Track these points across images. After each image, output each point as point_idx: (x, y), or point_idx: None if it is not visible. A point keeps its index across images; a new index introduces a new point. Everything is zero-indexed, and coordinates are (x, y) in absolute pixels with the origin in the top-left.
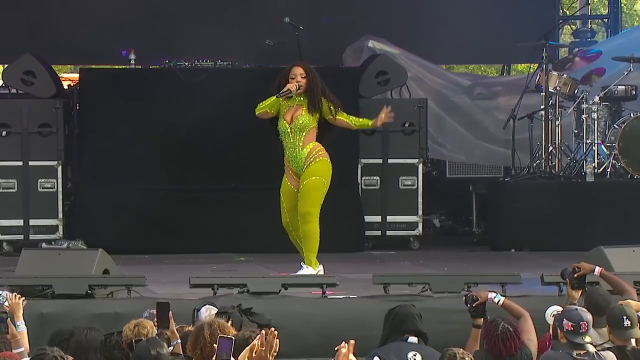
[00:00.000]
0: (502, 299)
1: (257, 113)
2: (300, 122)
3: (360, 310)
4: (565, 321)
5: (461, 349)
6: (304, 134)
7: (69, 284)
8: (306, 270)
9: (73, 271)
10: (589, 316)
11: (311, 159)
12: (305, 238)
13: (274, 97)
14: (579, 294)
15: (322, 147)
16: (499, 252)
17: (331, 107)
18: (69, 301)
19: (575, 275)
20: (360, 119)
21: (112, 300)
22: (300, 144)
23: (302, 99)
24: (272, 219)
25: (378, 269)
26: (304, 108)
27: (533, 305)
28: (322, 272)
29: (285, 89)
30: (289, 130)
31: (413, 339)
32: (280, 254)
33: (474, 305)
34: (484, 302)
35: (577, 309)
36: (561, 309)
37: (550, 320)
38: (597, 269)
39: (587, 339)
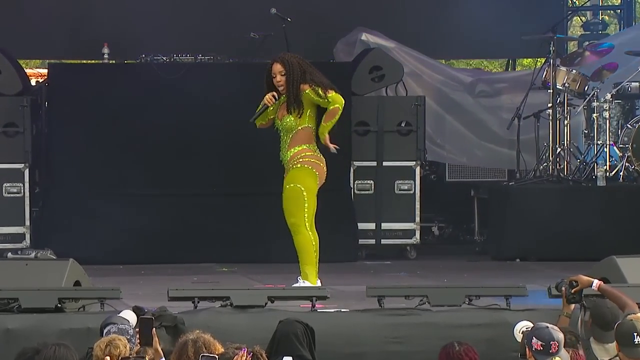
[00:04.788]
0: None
1: (257, 126)
2: (285, 122)
3: (353, 324)
4: (534, 340)
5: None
6: (290, 135)
7: (37, 297)
8: (301, 284)
9: (41, 283)
10: (560, 335)
11: (291, 165)
12: (297, 250)
13: (261, 110)
14: (573, 307)
15: (310, 152)
16: (502, 262)
17: (319, 92)
18: (37, 316)
19: (573, 290)
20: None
21: (83, 315)
22: (287, 146)
23: (284, 97)
24: (257, 227)
25: (372, 280)
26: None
27: (540, 319)
28: None
29: (261, 104)
30: (280, 128)
31: (287, 358)
32: (266, 264)
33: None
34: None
35: (547, 327)
36: (531, 324)
37: (519, 337)
38: (596, 283)
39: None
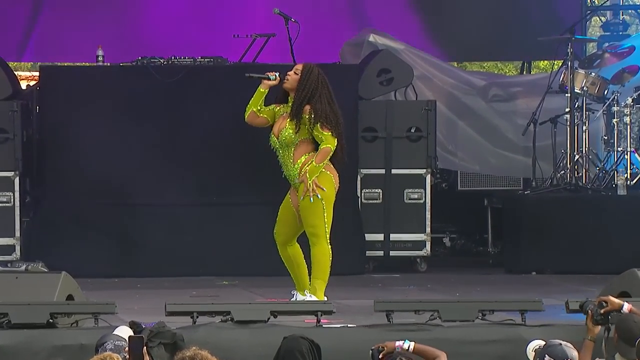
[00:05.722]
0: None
1: (245, 118)
2: (284, 136)
3: (360, 341)
4: (547, 358)
5: None
6: (292, 149)
7: (28, 312)
8: (308, 298)
9: (32, 297)
10: (574, 353)
11: (303, 173)
12: (312, 262)
13: (260, 76)
14: (598, 330)
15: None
16: (517, 275)
17: (315, 124)
18: (27, 331)
19: (602, 311)
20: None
21: (76, 331)
22: (291, 160)
23: (283, 108)
24: (260, 238)
25: (380, 294)
26: (288, 118)
27: (557, 336)
28: None
29: (265, 73)
30: (277, 145)
31: None
32: (268, 277)
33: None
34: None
35: (561, 344)
36: (544, 343)
37: (531, 355)
38: (627, 306)
39: None
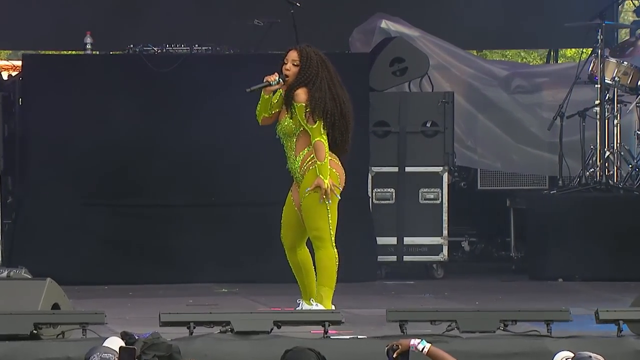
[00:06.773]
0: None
1: (259, 123)
2: (284, 125)
3: (371, 353)
4: None
5: None
6: (293, 139)
7: (10, 322)
8: (315, 308)
9: (14, 306)
10: None
11: (305, 169)
12: (317, 268)
13: (261, 85)
14: None
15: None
16: (542, 282)
17: (307, 116)
18: (9, 343)
19: None
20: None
21: (63, 343)
22: (293, 152)
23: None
24: (262, 242)
25: (393, 302)
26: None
27: (585, 348)
28: None
29: (265, 80)
30: (281, 135)
31: None
32: (271, 284)
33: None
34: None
35: (590, 356)
36: (572, 355)
37: None
38: None
39: None
